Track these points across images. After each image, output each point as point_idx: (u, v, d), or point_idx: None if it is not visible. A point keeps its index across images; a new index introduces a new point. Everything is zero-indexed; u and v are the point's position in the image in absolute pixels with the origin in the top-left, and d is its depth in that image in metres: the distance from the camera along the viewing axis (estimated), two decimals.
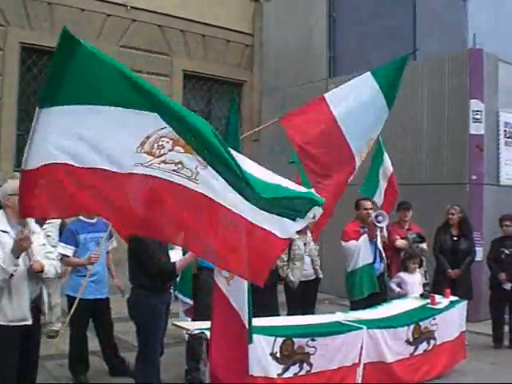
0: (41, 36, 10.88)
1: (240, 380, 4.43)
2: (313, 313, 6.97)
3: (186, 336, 6.25)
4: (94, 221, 5.92)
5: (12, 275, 3.89)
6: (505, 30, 10.29)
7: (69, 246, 5.71)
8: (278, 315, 6.48)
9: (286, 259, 6.80)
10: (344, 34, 12.18)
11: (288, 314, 6.82)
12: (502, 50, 10.08)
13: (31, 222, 4.37)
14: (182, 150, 3.80)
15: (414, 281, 7.30)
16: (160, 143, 3.78)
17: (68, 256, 5.75)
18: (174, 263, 4.81)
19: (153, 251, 4.66)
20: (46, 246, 4.47)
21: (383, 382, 5.64)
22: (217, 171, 3.76)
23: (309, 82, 12.18)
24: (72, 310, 4.91)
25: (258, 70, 14.00)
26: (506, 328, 7.78)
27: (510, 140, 9.86)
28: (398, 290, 7.26)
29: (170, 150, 3.79)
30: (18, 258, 3.91)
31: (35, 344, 4.19)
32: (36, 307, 4.18)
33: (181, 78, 12.87)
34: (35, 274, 4.13)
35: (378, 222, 6.78)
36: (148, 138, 3.75)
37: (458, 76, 9.64)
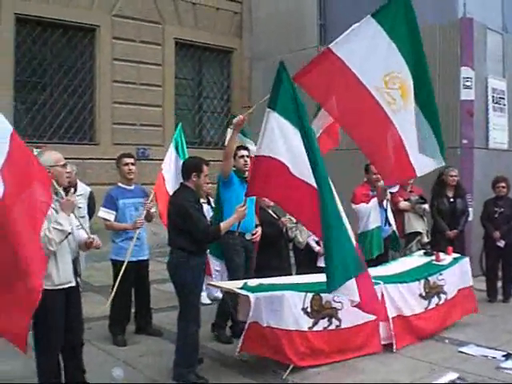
0: None
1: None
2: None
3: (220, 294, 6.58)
4: (132, 187, 6.24)
5: (70, 233, 4.12)
6: None
7: (110, 211, 5.97)
8: (291, 274, 6.80)
9: (294, 221, 7.00)
10: (335, 2, 12.37)
11: (297, 273, 7.11)
12: (489, 18, 10.45)
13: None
14: None
15: None
16: None
17: (109, 220, 6.04)
18: (218, 225, 5.10)
19: (197, 216, 4.92)
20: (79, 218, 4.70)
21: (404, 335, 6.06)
22: None
23: (299, 50, 12.36)
24: (121, 272, 5.20)
25: (247, 37, 14.16)
26: (499, 283, 8.29)
27: (497, 105, 10.31)
28: None
29: None
30: (69, 215, 4.16)
31: (77, 302, 4.49)
32: (74, 268, 4.43)
33: (172, 46, 12.97)
34: (73, 240, 4.36)
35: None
36: None
37: (449, 45, 10.00)
